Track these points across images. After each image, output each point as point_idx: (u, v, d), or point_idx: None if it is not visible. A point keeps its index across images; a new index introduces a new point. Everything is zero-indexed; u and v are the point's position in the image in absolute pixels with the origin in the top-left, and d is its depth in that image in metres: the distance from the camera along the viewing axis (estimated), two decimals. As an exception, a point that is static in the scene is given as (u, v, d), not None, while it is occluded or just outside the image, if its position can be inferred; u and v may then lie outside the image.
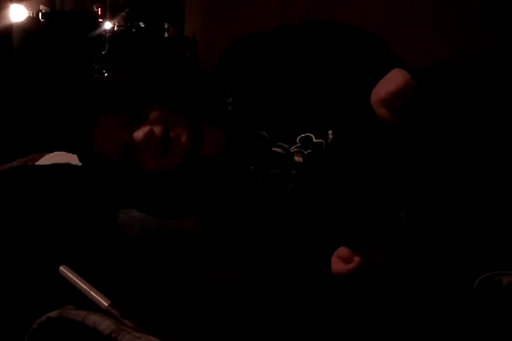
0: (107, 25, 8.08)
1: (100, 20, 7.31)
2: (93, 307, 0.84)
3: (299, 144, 1.10)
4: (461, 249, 1.09)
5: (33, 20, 4.99)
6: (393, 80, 1.02)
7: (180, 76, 1.14)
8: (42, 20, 5.27)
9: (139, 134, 1.04)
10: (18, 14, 4.64)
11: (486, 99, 1.10)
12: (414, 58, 1.27)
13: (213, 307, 1.17)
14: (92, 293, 0.85)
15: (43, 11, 5.28)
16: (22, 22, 4.69)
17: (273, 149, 1.11)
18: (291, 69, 1.12)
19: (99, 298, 0.85)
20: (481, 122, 1.08)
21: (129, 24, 7.62)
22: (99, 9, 7.79)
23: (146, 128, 1.04)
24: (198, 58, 5.66)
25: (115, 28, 8.23)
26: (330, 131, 1.09)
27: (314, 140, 1.10)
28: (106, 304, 0.83)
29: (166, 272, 1.25)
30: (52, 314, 0.81)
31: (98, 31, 6.73)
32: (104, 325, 0.75)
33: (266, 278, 1.19)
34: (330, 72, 1.11)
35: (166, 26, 7.65)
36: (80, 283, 0.88)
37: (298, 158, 1.10)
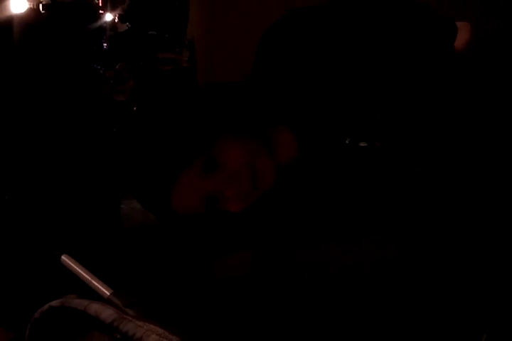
0: (108, 16, 8.06)
1: (101, 11, 7.28)
2: (95, 296, 0.84)
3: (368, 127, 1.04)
4: (462, 240, 1.09)
5: (33, 11, 4.97)
6: None
7: (234, 106, 1.03)
8: (42, 11, 5.25)
9: (230, 188, 0.93)
10: (18, 6, 4.62)
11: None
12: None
13: (214, 299, 1.17)
14: (94, 282, 0.85)
15: (43, 3, 5.26)
16: (22, 13, 4.68)
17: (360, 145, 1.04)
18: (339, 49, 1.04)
19: (101, 288, 0.84)
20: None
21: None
22: (100, 0, 7.76)
23: (228, 171, 0.93)
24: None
25: (116, 20, 8.20)
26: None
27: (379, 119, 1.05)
28: (108, 293, 0.83)
29: (168, 262, 1.25)
30: (54, 303, 0.81)
31: (99, 23, 6.71)
32: (106, 313, 0.75)
33: (268, 271, 1.19)
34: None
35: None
36: (81, 272, 0.87)
37: (377, 142, 1.04)
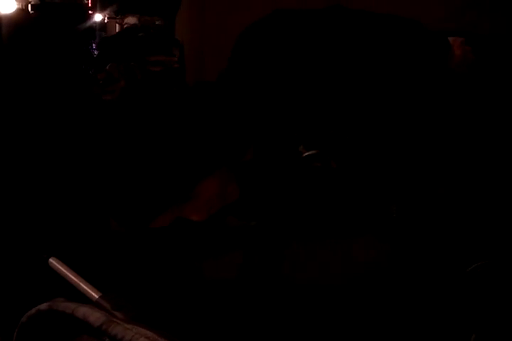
0: (98, 17, 8.03)
1: (90, 12, 7.26)
2: (84, 299, 0.83)
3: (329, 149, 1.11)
4: (451, 239, 1.09)
5: (22, 12, 4.95)
6: None
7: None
8: (31, 12, 5.23)
9: (198, 215, 1.06)
10: (6, 6, 4.60)
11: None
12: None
13: (204, 300, 1.17)
14: (82, 285, 0.84)
15: (32, 3, 5.24)
16: (11, 14, 4.65)
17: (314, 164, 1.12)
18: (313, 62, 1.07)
19: (89, 290, 0.84)
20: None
21: (120, 16, 7.54)
22: (90, 1, 7.74)
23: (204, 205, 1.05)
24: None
25: (105, 21, 8.17)
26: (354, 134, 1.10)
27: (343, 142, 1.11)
28: (96, 296, 0.82)
29: (157, 264, 1.25)
30: (42, 306, 0.80)
31: (88, 23, 6.68)
32: (95, 316, 0.74)
33: (258, 272, 1.19)
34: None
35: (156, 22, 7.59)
36: (69, 275, 0.87)
37: (333, 164, 1.12)
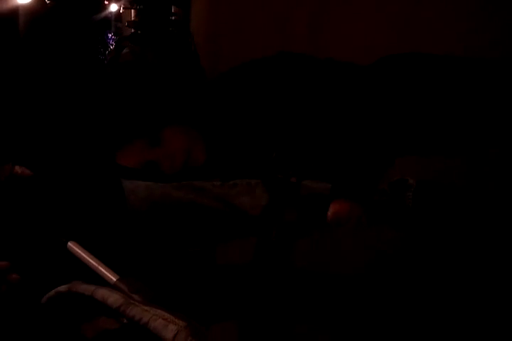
0: (113, 7, 8.03)
1: (106, 2, 7.26)
2: (101, 282, 0.85)
3: (296, 165, 1.23)
4: (464, 228, 1.09)
5: (38, 1, 4.96)
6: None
7: (192, 99, 1.24)
8: (48, 1, 5.24)
9: (160, 150, 1.17)
10: (24, -4, 4.61)
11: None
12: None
13: (217, 285, 1.18)
14: (100, 268, 0.86)
15: (48, -7, 5.25)
16: (28, 4, 4.67)
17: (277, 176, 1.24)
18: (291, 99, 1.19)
19: (107, 274, 0.85)
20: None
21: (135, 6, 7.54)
22: (105, -10, 7.74)
23: (167, 152, 1.17)
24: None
25: (121, 11, 8.17)
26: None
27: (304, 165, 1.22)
28: (114, 279, 0.83)
29: (171, 246, 1.26)
30: (61, 288, 0.82)
31: (104, 13, 6.69)
32: (113, 298, 0.76)
33: (270, 259, 1.20)
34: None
35: (172, 10, 7.58)
36: (88, 258, 0.88)
37: (293, 179, 1.23)
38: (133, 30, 7.29)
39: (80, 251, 0.90)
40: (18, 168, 1.29)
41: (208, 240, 1.29)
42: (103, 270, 0.86)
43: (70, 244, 0.91)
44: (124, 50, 5.59)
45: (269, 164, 1.22)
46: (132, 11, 8.14)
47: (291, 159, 1.22)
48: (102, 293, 0.77)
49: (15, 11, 4.50)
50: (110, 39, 6.99)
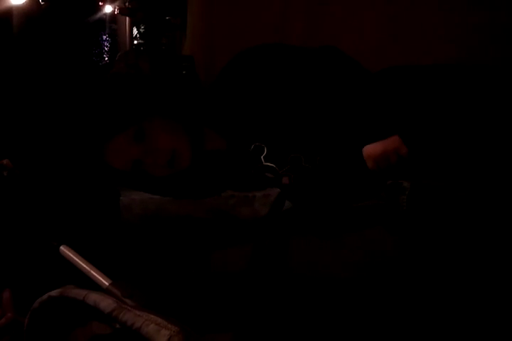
0: (108, 8, 8.02)
1: (101, 3, 7.25)
2: (93, 287, 0.84)
3: (289, 166, 1.23)
4: (459, 231, 1.10)
5: (32, 2, 4.95)
6: (387, 142, 1.14)
7: (178, 93, 1.24)
8: (42, 2, 5.23)
9: (148, 158, 1.15)
10: (18, -4, 4.60)
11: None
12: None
13: (212, 290, 1.17)
14: (92, 272, 0.85)
15: (42, -6, 5.24)
16: (22, 5, 4.65)
17: (266, 174, 1.24)
18: (291, 89, 1.19)
19: (100, 278, 0.84)
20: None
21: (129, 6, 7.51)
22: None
23: (151, 147, 1.15)
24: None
25: (116, 12, 8.14)
26: (318, 158, 1.22)
27: (303, 163, 1.23)
28: (107, 283, 0.83)
29: (166, 255, 1.26)
30: (54, 293, 0.81)
31: (98, 14, 6.68)
32: (106, 303, 0.75)
33: (266, 265, 1.19)
34: (329, 101, 1.19)
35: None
36: (80, 262, 0.87)
37: (285, 180, 1.24)
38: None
39: (72, 255, 0.89)
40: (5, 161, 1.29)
41: (202, 248, 1.29)
42: (95, 274, 0.85)
43: (62, 248, 0.90)
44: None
45: (260, 163, 1.21)
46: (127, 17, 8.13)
47: (286, 155, 1.20)
48: (94, 297, 0.76)
49: (9, 12, 4.49)
50: (104, 40, 6.97)
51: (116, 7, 8.05)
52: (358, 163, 1.17)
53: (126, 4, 7.18)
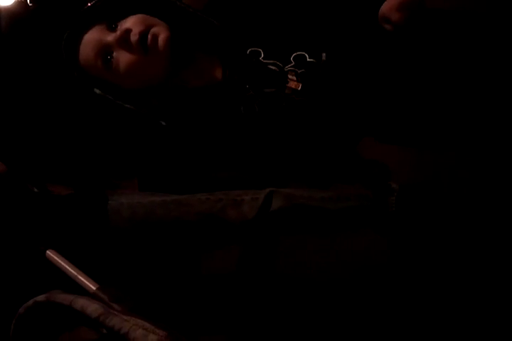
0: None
1: (89, 4, 7.21)
2: (80, 291, 0.83)
3: (293, 63, 1.16)
4: (448, 233, 1.10)
5: (20, 4, 4.92)
6: None
7: None
8: (30, 4, 5.20)
9: (116, 32, 1.12)
10: (5, -2, 4.57)
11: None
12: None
13: (200, 294, 1.17)
14: (79, 277, 0.84)
15: (30, -5, 5.21)
16: (9, 6, 4.62)
17: (268, 67, 1.16)
18: None
19: (86, 282, 0.84)
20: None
21: None
22: (89, -7, 7.66)
23: (123, 27, 1.12)
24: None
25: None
26: (324, 54, 1.15)
27: (308, 59, 1.16)
28: (94, 288, 0.82)
29: (155, 258, 1.25)
30: (40, 298, 0.80)
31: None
32: (92, 308, 0.74)
33: (254, 267, 1.19)
34: None
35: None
36: (67, 267, 0.87)
37: (291, 77, 1.16)
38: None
39: (58, 260, 0.89)
40: None
41: (191, 251, 1.28)
42: (82, 279, 0.84)
43: (48, 252, 0.90)
44: None
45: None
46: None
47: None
48: (80, 302, 0.76)
49: (-4, 14, 4.46)
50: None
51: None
52: (375, 30, 1.11)
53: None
